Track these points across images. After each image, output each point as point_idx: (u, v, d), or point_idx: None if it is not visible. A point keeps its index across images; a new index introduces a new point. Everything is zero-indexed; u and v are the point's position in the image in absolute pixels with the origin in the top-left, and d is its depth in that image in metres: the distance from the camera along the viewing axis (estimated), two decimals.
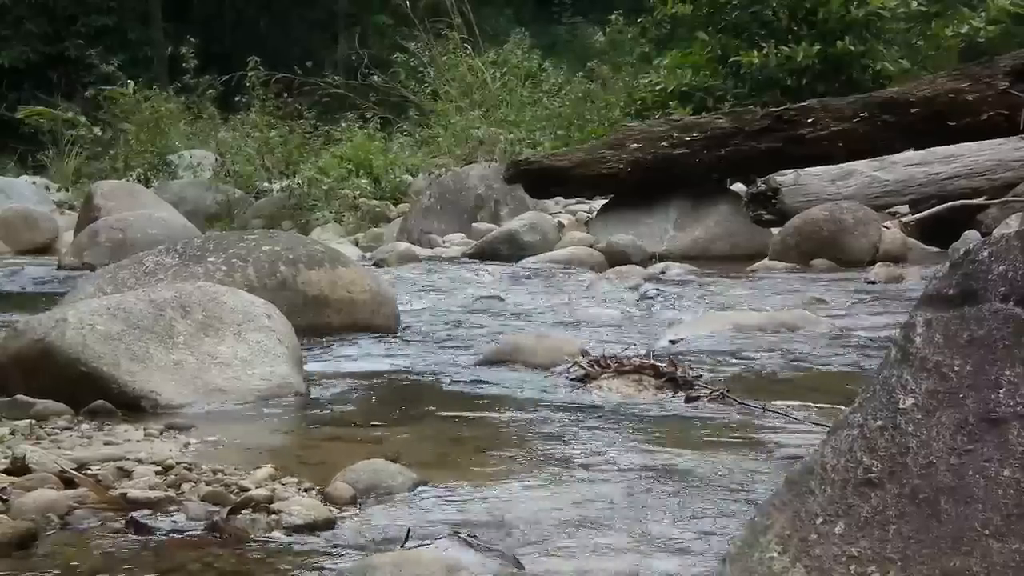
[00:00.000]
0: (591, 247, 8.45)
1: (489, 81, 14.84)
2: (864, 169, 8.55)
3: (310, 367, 4.25)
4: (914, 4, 13.56)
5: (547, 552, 2.32)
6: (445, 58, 15.27)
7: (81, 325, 3.70)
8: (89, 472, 2.80)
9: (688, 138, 9.21)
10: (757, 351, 4.66)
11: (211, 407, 3.65)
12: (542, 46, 18.08)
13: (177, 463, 2.88)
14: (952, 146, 8.56)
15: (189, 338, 3.80)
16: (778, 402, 3.66)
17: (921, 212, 8.42)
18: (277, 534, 2.44)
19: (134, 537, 2.42)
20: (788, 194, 8.40)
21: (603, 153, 9.42)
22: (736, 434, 3.32)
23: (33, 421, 3.35)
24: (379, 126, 14.62)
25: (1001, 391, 1.77)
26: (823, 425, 3.07)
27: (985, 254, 1.87)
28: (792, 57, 12.79)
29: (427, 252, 9.19)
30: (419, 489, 2.74)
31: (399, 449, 3.11)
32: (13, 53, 24.28)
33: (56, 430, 3.31)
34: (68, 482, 2.71)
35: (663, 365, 3.98)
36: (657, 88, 13.75)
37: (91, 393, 3.58)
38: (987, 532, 1.69)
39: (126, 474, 2.81)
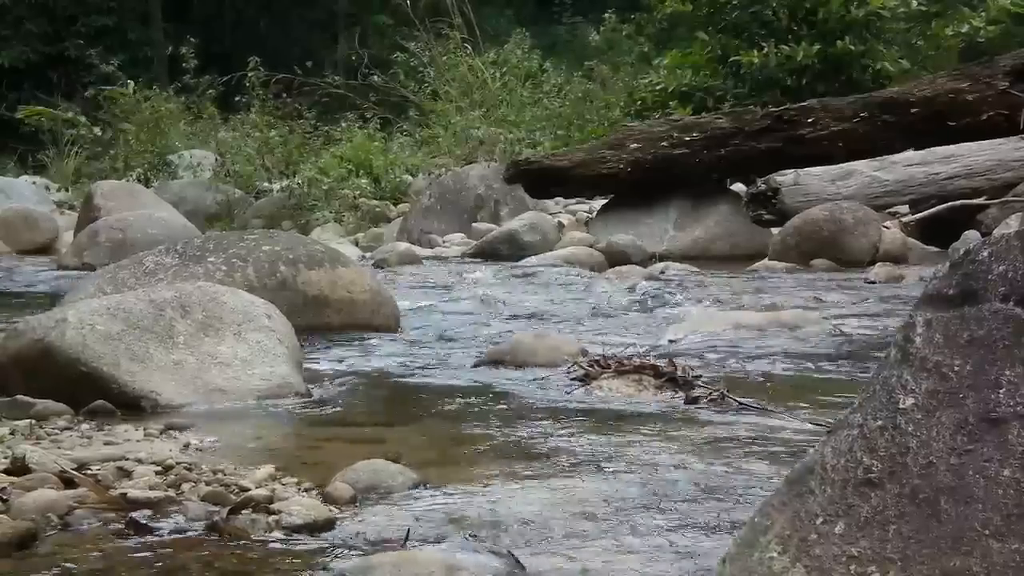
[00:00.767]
0: (591, 247, 8.45)
1: (489, 81, 14.84)
2: (864, 169, 8.55)
3: (310, 367, 4.25)
4: (914, 4, 13.56)
5: (547, 552, 2.32)
6: (445, 58, 15.27)
7: (81, 325, 3.70)
8: (89, 472, 2.80)
9: (688, 138, 9.21)
10: (757, 351, 4.66)
11: (211, 407, 3.65)
12: (542, 46, 18.08)
13: (177, 463, 2.89)
14: (952, 146, 8.56)
15: (189, 338, 3.80)
16: (778, 402, 3.66)
17: (921, 212, 8.42)
18: (277, 534, 2.44)
19: (134, 537, 2.42)
20: (788, 194, 8.40)
21: (603, 153, 9.42)
22: (736, 434, 3.32)
23: (33, 421, 3.35)
24: (379, 126, 14.61)
25: (1001, 391, 1.77)
26: (823, 425, 3.07)
27: (985, 254, 1.87)
28: (792, 57, 12.79)
29: (427, 252, 9.19)
30: (419, 489, 2.74)
31: (399, 449, 3.11)
32: (13, 53, 24.27)
33: (56, 430, 3.31)
34: (68, 482, 2.71)
35: (663, 365, 3.98)
36: (657, 88, 13.75)
37: (91, 393, 3.58)
38: (987, 532, 1.69)
39: (126, 474, 2.81)
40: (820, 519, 1.79)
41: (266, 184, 12.69)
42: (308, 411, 3.72)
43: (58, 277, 7.94)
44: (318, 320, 5.08)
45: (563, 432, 3.38)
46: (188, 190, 12.28)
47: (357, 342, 4.99)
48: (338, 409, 3.77)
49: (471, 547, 2.23)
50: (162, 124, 14.48)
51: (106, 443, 3.17)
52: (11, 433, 3.20)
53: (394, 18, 19.75)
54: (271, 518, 2.49)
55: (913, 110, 8.95)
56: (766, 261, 7.79)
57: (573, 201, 11.51)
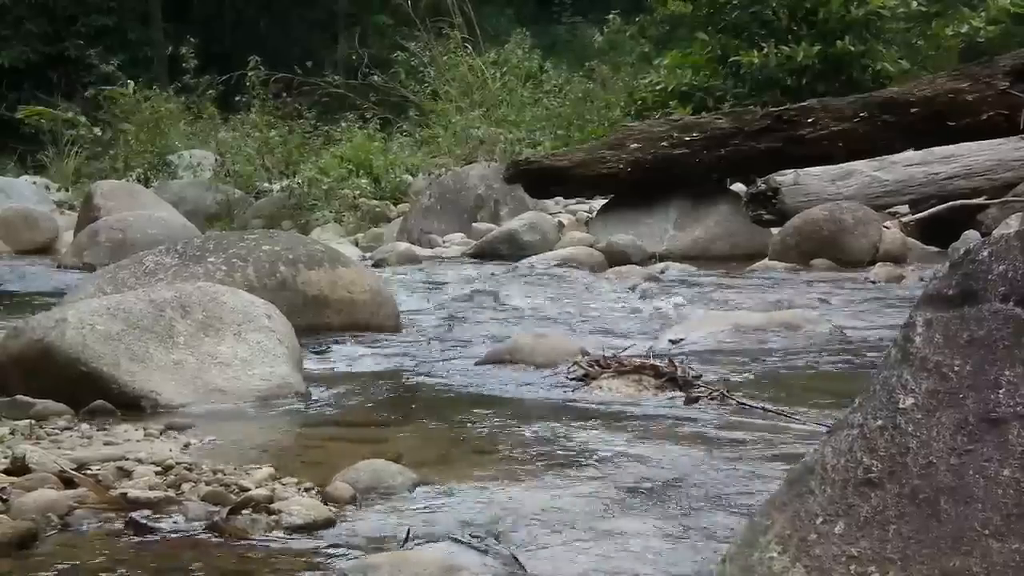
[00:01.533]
0: (591, 247, 8.45)
1: (489, 81, 14.84)
2: (864, 169, 8.55)
3: (310, 367, 4.25)
4: (914, 4, 13.56)
5: (547, 552, 2.32)
6: (445, 58, 15.27)
7: (81, 325, 3.70)
8: (89, 472, 2.80)
9: (688, 138, 9.21)
10: (757, 351, 4.66)
11: (211, 407, 3.65)
12: (542, 46, 18.08)
13: (177, 463, 2.88)
14: (952, 146, 8.56)
15: (189, 338, 3.80)
16: (778, 402, 3.66)
17: (921, 212, 8.41)
18: (277, 534, 2.44)
19: (134, 537, 2.42)
20: (788, 194, 8.40)
21: (603, 153, 9.42)
22: (736, 434, 3.32)
23: (33, 421, 3.35)
24: (379, 126, 14.61)
25: (1001, 391, 1.77)
26: (823, 425, 3.07)
27: (985, 254, 1.87)
28: (792, 57, 12.79)
29: (427, 252, 9.19)
30: (419, 489, 2.74)
31: (399, 449, 3.11)
32: (13, 53, 24.27)
33: (56, 430, 3.31)
34: (68, 482, 2.71)
35: (663, 365, 3.98)
36: (657, 88, 13.75)
37: (91, 393, 3.58)
38: (987, 532, 1.69)
39: (126, 474, 2.81)
40: (820, 519, 1.79)
41: (266, 184, 12.69)
42: (308, 411, 3.72)
43: (58, 277, 7.93)
44: (318, 320, 5.08)
45: (563, 432, 3.37)
46: (188, 190, 12.28)
47: (357, 342, 4.99)
48: (338, 409, 3.78)
49: (471, 547, 2.23)
50: (162, 124, 14.48)
51: (106, 443, 3.17)
52: (11, 433, 3.20)
53: (394, 18, 19.75)
54: (271, 518, 2.49)
55: (913, 110, 8.95)
56: (766, 261, 7.79)
57: (573, 201, 11.51)
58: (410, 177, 12.98)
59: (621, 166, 9.24)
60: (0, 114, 17.64)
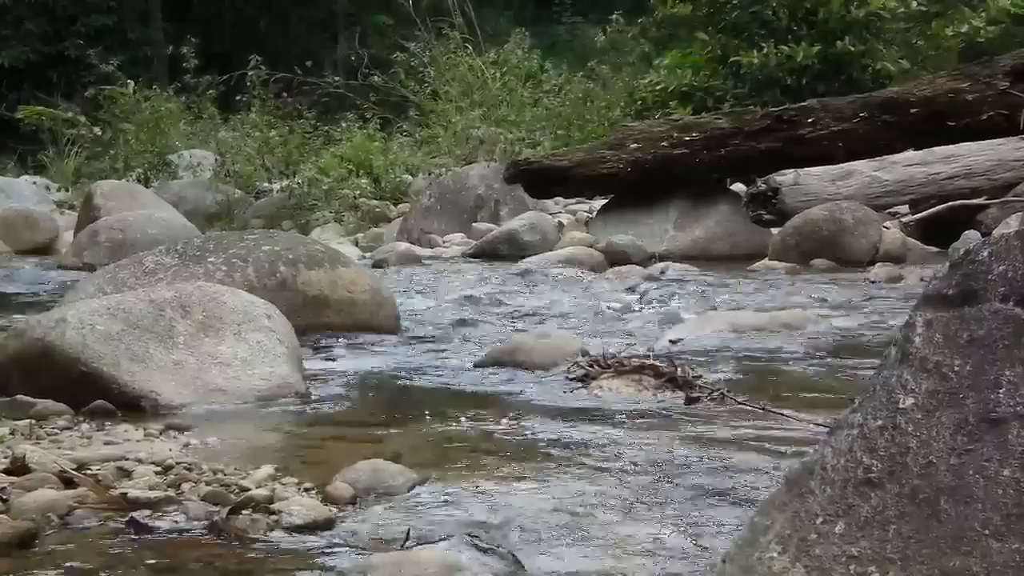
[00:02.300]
0: (591, 247, 8.45)
1: (489, 81, 14.84)
2: (864, 169, 8.55)
3: (310, 367, 4.25)
4: (914, 4, 13.55)
5: (547, 552, 2.32)
6: (445, 58, 15.27)
7: (81, 325, 3.70)
8: (89, 472, 2.80)
9: (688, 138, 9.20)
10: (757, 351, 4.67)
11: (211, 407, 3.65)
12: (542, 46, 18.08)
13: (177, 463, 2.89)
14: (952, 146, 8.56)
15: (189, 338, 3.80)
16: (778, 402, 3.66)
17: (921, 212, 8.41)
18: (277, 534, 2.44)
19: (134, 537, 2.42)
20: (788, 194, 8.39)
21: (603, 153, 9.42)
22: (736, 434, 3.32)
23: (33, 421, 3.35)
24: (379, 126, 14.61)
25: (1001, 391, 1.77)
26: (823, 425, 3.07)
27: (985, 254, 1.87)
28: (792, 57, 12.79)
29: (427, 252, 9.19)
30: (419, 489, 2.74)
31: (399, 449, 3.11)
32: (13, 53, 24.27)
33: (56, 430, 3.31)
34: (68, 482, 2.71)
35: (663, 365, 3.98)
36: (657, 88, 13.74)
37: (91, 393, 3.58)
38: (987, 532, 1.69)
39: (126, 474, 2.81)
40: (820, 519, 1.79)
41: (266, 184, 12.69)
42: (308, 411, 3.72)
43: (58, 277, 7.93)
44: (318, 320, 5.07)
45: (563, 432, 3.38)
46: (188, 190, 12.27)
47: (357, 342, 4.99)
48: (338, 409, 3.78)
49: (471, 547, 2.23)
50: (162, 124, 14.48)
51: (106, 443, 3.17)
52: (11, 433, 3.20)
53: (394, 18, 19.76)
54: (271, 518, 2.49)
55: (913, 110, 8.94)
56: (766, 261, 7.79)
57: (573, 201, 11.51)
58: (410, 177, 12.98)
59: (621, 166, 9.24)
60: (0, 114, 17.64)
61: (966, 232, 7.53)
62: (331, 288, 5.17)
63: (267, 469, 2.82)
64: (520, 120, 13.98)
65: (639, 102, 13.87)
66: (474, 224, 10.16)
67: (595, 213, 10.22)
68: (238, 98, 14.36)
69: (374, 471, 2.77)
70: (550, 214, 10.30)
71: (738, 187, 9.71)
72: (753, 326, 5.06)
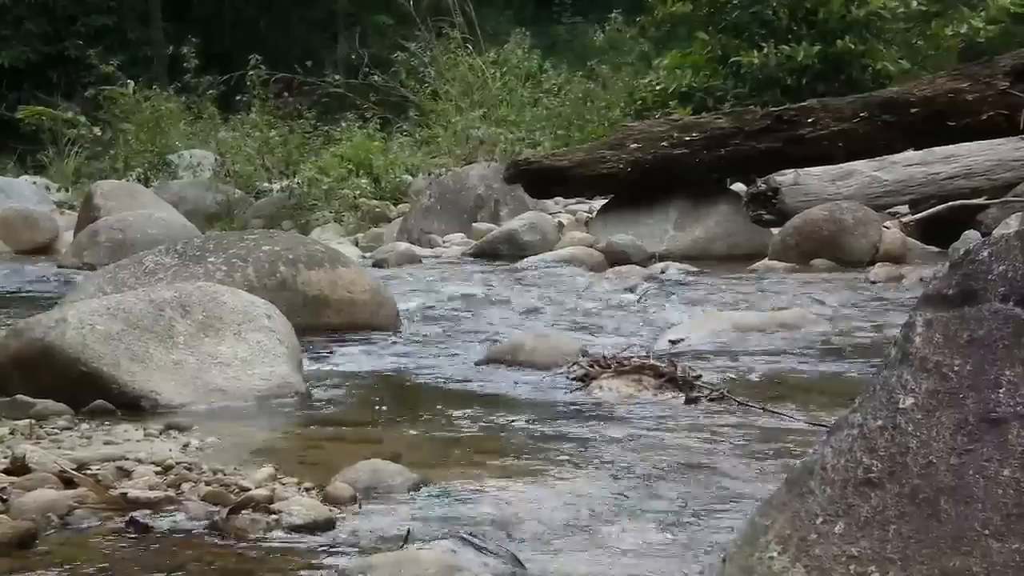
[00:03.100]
0: (591, 247, 8.44)
1: (489, 81, 14.83)
2: (864, 169, 8.55)
3: (310, 367, 4.25)
4: (914, 4, 13.55)
5: (547, 551, 2.32)
6: (445, 58, 15.26)
7: (81, 325, 3.70)
8: (89, 472, 2.80)
9: (688, 138, 9.20)
10: (757, 351, 4.66)
11: (211, 407, 3.65)
12: (542, 46, 18.07)
13: (177, 463, 2.89)
14: (952, 146, 8.55)
15: (189, 338, 3.80)
16: (778, 402, 3.66)
17: (921, 212, 8.41)
18: (277, 534, 2.44)
19: (134, 537, 2.42)
20: (788, 194, 8.39)
21: (603, 153, 9.41)
22: (736, 434, 3.32)
23: (33, 421, 3.35)
24: (379, 126, 14.61)
25: (1001, 391, 1.77)
26: (823, 425, 3.07)
27: (985, 254, 1.87)
28: (792, 57, 12.78)
29: (427, 252, 9.18)
30: (419, 489, 2.74)
31: (399, 449, 3.11)
32: (13, 53, 24.25)
33: (56, 430, 3.31)
34: (68, 482, 2.71)
35: (663, 365, 3.98)
36: (657, 88, 13.73)
37: (91, 393, 3.58)
38: (987, 532, 1.69)
39: (126, 474, 2.81)
40: (820, 519, 1.79)
41: (266, 184, 12.68)
42: (308, 411, 3.72)
43: (58, 277, 7.93)
44: (318, 320, 5.08)
45: (563, 432, 3.38)
46: (188, 190, 12.27)
47: (357, 342, 4.99)
48: (338, 409, 3.78)
49: (471, 547, 2.23)
50: (162, 124, 14.47)
51: (106, 443, 3.17)
52: (11, 433, 3.20)
53: (394, 18, 19.75)
54: (271, 518, 2.49)
55: (913, 110, 8.94)
56: (766, 261, 7.78)
57: (573, 201, 11.50)
58: (410, 177, 12.97)
59: (621, 166, 9.23)
60: (0, 114, 17.63)
61: (966, 232, 7.53)
62: (331, 288, 5.17)
63: (267, 469, 2.82)
64: (520, 120, 13.97)
65: (639, 102, 13.86)
66: (474, 224, 10.16)
67: (595, 213, 10.22)
68: (238, 98, 14.35)
69: (374, 471, 2.77)
70: (550, 214, 10.29)
71: (738, 187, 9.71)
72: (753, 326, 5.06)
